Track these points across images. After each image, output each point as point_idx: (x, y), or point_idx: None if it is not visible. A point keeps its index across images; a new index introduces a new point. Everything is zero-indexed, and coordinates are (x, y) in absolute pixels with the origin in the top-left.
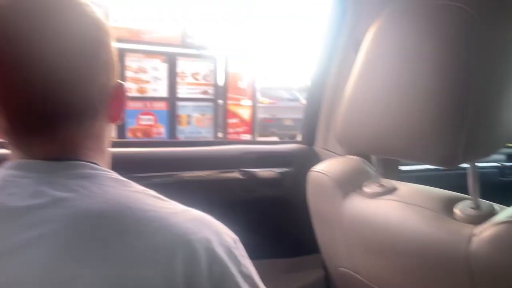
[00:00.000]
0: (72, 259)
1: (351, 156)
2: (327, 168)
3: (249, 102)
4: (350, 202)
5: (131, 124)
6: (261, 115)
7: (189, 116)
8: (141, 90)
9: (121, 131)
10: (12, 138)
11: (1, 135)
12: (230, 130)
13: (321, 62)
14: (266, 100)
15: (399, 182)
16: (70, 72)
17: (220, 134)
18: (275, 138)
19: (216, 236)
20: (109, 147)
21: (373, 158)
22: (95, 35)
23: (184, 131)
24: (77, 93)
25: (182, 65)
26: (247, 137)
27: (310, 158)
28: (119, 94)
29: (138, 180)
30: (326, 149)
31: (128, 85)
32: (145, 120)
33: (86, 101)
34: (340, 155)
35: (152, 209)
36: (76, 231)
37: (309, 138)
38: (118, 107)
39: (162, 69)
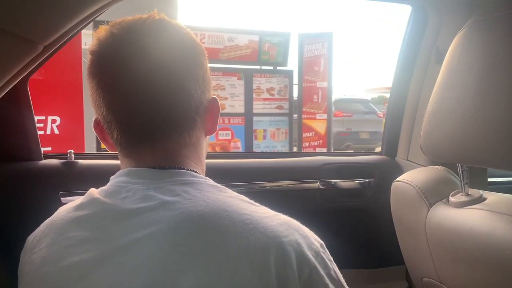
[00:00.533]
0: (179, 255)
1: (436, 166)
2: (411, 178)
3: (324, 116)
4: (436, 212)
5: (210, 139)
6: (336, 128)
7: (264, 131)
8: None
9: None
10: (124, 148)
11: (111, 147)
12: (305, 144)
13: (401, 73)
14: (341, 113)
15: (487, 192)
16: (172, 88)
17: (295, 148)
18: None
19: (305, 240)
20: (205, 157)
21: (459, 167)
22: (192, 54)
23: (260, 145)
24: (179, 107)
25: (258, 81)
26: (323, 150)
27: (392, 169)
28: (213, 108)
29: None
30: (409, 160)
31: None
32: (223, 135)
33: (186, 113)
34: (422, 165)
35: (246, 213)
36: (181, 230)
37: (391, 149)
38: (213, 120)
39: (239, 85)
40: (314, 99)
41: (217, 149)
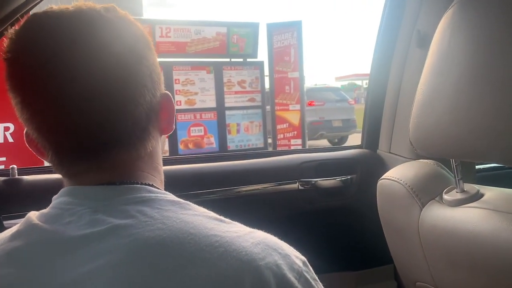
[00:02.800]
0: None
1: (425, 160)
2: (399, 174)
3: (297, 107)
4: (429, 212)
5: (182, 136)
6: (309, 118)
7: (238, 125)
8: (190, 102)
9: (174, 143)
10: (60, 168)
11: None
12: (280, 135)
13: (380, 60)
14: (314, 103)
15: (482, 186)
16: (113, 96)
17: (270, 141)
18: (325, 141)
19: (285, 260)
20: (161, 163)
21: (452, 162)
22: (132, 52)
23: (234, 140)
24: (123, 116)
25: (228, 74)
26: (297, 141)
27: (374, 163)
28: (167, 105)
29: (192, 198)
30: (391, 153)
31: (177, 97)
32: (196, 131)
33: (134, 123)
34: (407, 158)
35: (215, 234)
36: (136, 263)
37: (372, 142)
38: (167, 118)
39: (209, 79)
40: (286, 90)
41: (190, 146)
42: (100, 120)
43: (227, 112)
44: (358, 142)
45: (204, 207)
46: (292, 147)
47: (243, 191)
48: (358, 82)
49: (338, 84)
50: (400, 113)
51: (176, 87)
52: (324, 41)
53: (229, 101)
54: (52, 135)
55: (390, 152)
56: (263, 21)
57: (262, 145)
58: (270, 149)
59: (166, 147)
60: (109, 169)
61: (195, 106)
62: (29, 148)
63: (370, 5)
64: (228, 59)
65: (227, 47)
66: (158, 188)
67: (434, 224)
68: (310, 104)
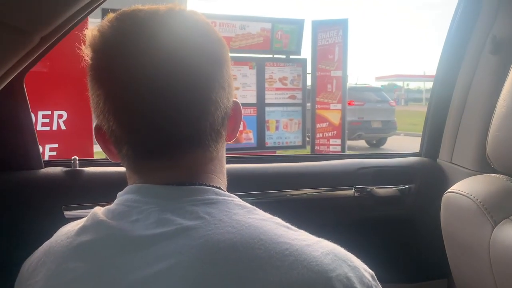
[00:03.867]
0: None
1: (496, 175)
2: (469, 189)
3: (338, 106)
4: (503, 232)
5: None
6: (348, 117)
7: (277, 121)
8: None
9: None
10: (132, 162)
11: (116, 158)
12: (319, 135)
13: (447, 64)
14: (353, 102)
15: None
16: (198, 99)
17: (308, 139)
18: (362, 142)
19: (355, 273)
20: (225, 166)
21: None
22: (219, 55)
23: (272, 136)
24: (205, 120)
25: (270, 71)
26: (336, 141)
27: (434, 173)
28: (236, 113)
29: (244, 199)
30: (452, 163)
31: None
32: None
33: (212, 125)
34: (471, 170)
35: (284, 241)
36: (207, 265)
37: (431, 150)
38: (234, 126)
39: (251, 75)
40: (328, 88)
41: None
42: (183, 118)
43: (267, 109)
44: (397, 145)
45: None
46: (331, 147)
47: (296, 194)
48: (399, 83)
49: (378, 84)
50: (466, 122)
51: None
52: (366, 39)
53: (270, 97)
54: (135, 129)
55: (451, 162)
56: (308, 18)
57: (300, 143)
58: (308, 147)
59: None
60: (181, 169)
61: None
62: (97, 142)
63: (416, 6)
64: (271, 55)
65: (270, 43)
66: (225, 191)
67: (509, 245)
68: (349, 104)
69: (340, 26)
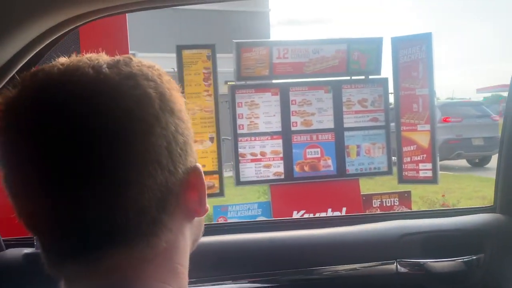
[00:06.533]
0: None
1: None
2: None
3: (426, 127)
4: None
5: (298, 158)
6: (444, 136)
7: (358, 146)
8: (306, 123)
9: (289, 166)
10: (49, 267)
11: None
12: (406, 159)
13: None
14: (449, 119)
15: None
16: (109, 178)
17: (394, 164)
18: (463, 161)
19: None
20: (186, 261)
21: None
22: (138, 118)
23: (354, 163)
24: (122, 206)
25: (348, 93)
26: (427, 166)
27: None
28: (194, 182)
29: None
30: None
31: (293, 119)
32: (312, 153)
33: (138, 214)
34: None
35: None
36: None
37: (510, 203)
38: (198, 197)
39: (327, 99)
40: (414, 108)
41: (306, 168)
42: (93, 211)
43: (346, 133)
44: None
45: None
46: (421, 172)
47: (323, 273)
48: (505, 94)
49: (480, 96)
50: None
51: (292, 108)
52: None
53: (349, 121)
54: (34, 224)
55: None
56: (386, 35)
57: (386, 169)
58: (394, 171)
59: (281, 170)
60: (104, 276)
61: (312, 127)
62: None
63: None
64: (348, 77)
65: (347, 65)
66: None
67: None
68: (445, 121)
69: (423, 41)
